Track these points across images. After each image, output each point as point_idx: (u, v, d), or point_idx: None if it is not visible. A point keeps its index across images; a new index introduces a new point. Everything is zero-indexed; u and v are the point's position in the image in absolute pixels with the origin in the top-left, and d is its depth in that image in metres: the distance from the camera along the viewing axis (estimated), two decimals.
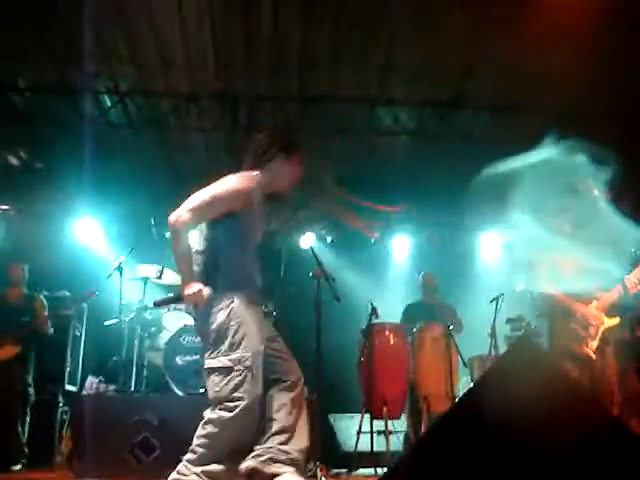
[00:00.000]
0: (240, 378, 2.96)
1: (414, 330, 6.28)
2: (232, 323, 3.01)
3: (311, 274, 4.98)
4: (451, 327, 6.12)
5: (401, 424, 6.14)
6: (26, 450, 5.98)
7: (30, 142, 7.72)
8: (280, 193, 3.47)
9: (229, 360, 2.99)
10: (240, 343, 3.00)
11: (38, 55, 6.36)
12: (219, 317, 3.03)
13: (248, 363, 2.98)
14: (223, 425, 2.95)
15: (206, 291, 3.03)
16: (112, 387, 6.18)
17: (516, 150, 4.66)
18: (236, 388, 2.96)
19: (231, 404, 2.95)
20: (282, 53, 6.34)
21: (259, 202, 3.24)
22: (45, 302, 6.47)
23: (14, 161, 7.99)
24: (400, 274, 8.60)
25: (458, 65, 6.36)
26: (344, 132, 7.21)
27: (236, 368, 2.97)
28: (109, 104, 7.11)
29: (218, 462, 2.96)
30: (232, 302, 3.05)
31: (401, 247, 8.87)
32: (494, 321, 6.37)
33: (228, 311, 3.03)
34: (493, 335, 6.35)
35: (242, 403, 2.94)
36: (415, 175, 7.94)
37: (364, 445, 5.99)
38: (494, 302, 6.45)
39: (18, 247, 7.70)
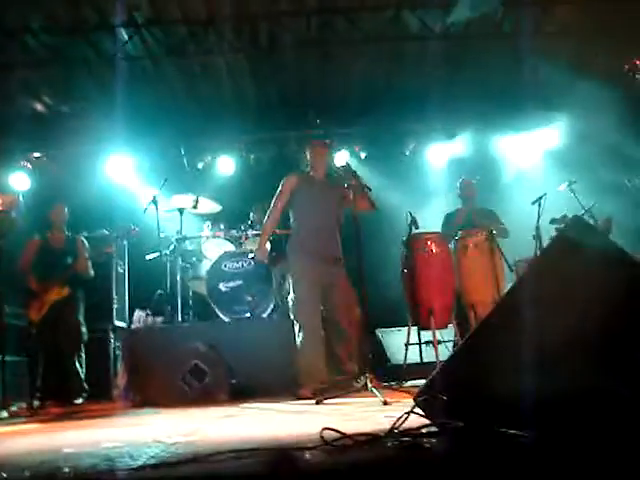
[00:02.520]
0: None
1: (456, 238, 6.17)
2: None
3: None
4: (493, 232, 6.00)
5: (449, 333, 6.10)
6: (86, 386, 6.15)
7: (52, 86, 7.64)
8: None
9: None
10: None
11: None
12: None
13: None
14: None
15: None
16: (159, 319, 6.28)
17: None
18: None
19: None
20: None
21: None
22: (86, 243, 6.52)
23: (39, 107, 7.94)
24: (437, 184, 8.39)
25: None
26: (369, 41, 6.90)
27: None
28: (126, 38, 6.91)
29: None
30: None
31: (437, 157, 8.63)
32: (538, 222, 6.19)
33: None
34: (538, 237, 6.18)
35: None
36: (446, 80, 7.66)
37: (413, 357, 6.00)
38: (537, 204, 6.27)
39: (53, 192, 7.71)
